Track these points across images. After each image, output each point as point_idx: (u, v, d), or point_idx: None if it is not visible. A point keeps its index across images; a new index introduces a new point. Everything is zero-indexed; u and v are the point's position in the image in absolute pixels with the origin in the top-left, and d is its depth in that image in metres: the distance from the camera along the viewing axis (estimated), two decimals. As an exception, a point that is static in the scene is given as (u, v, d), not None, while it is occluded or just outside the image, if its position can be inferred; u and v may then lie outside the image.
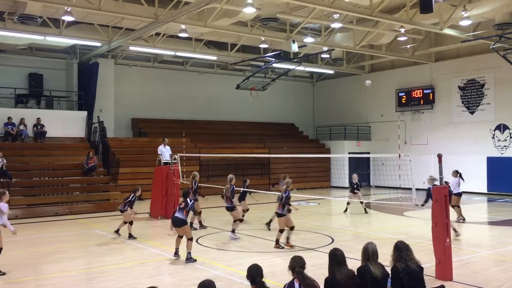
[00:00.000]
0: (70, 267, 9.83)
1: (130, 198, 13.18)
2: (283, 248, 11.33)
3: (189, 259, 9.92)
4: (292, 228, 11.48)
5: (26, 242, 12.66)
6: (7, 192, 9.64)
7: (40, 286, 8.76)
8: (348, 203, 18.03)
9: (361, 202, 17.83)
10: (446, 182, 12.96)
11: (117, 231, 13.34)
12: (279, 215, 11.42)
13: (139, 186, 14.10)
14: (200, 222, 14.28)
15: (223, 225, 14.50)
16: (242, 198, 15.56)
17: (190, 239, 10.12)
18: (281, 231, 11.45)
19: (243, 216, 14.62)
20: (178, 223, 10.19)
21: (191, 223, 13.89)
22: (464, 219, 15.12)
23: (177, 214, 10.31)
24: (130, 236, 12.95)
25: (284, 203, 11.26)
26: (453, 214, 13.79)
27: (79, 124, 23.22)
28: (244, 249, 11.57)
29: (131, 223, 13.08)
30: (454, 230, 12.17)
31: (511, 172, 23.48)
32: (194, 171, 15.80)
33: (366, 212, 17.58)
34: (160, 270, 9.43)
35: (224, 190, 13.27)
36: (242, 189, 15.35)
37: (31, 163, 20.28)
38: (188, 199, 10.56)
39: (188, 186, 14.82)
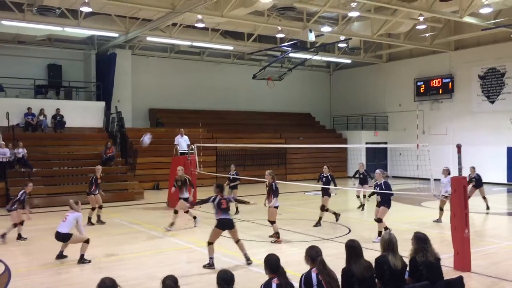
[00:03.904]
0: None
1: (19, 196, 11.78)
2: None
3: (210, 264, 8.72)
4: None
5: (47, 231, 12.85)
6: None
7: (60, 273, 8.92)
8: (357, 196, 16.78)
9: (363, 196, 16.22)
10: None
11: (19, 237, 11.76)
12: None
13: (29, 182, 12.86)
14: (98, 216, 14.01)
15: (241, 214, 14.60)
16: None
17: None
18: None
19: None
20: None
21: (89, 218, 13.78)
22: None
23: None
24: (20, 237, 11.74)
25: None
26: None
27: (98, 114, 23.49)
28: (259, 239, 11.60)
29: (21, 223, 11.75)
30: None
31: (532, 162, 23.11)
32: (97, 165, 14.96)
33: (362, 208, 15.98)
34: (179, 259, 9.53)
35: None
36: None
37: (51, 153, 20.60)
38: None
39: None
